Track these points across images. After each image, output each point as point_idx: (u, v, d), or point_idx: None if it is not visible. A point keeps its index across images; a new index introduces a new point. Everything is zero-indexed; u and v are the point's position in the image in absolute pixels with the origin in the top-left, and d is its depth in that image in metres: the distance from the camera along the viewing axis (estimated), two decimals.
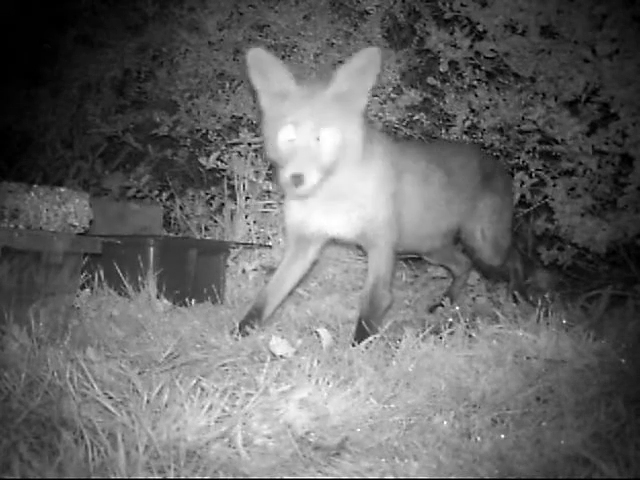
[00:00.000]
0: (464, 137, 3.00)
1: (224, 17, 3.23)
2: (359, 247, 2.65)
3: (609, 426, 1.55)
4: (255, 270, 3.11)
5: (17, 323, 2.00)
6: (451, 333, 2.10)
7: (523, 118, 2.76)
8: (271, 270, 2.95)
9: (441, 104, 3.01)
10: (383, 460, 1.45)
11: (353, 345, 2.11)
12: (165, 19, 3.52)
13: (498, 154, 3.10)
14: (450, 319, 2.33)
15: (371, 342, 2.08)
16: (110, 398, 1.60)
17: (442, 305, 2.70)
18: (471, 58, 2.82)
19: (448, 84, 2.97)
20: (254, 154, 3.20)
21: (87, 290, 2.55)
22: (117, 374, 1.74)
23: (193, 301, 2.66)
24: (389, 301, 2.38)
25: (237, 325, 2.34)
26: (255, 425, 1.53)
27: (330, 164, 2.13)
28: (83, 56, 3.78)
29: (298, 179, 2.05)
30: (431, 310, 2.93)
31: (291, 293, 2.62)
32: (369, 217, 2.31)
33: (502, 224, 2.84)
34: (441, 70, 2.86)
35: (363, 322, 2.28)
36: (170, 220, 3.63)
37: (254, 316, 2.40)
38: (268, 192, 3.25)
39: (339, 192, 2.26)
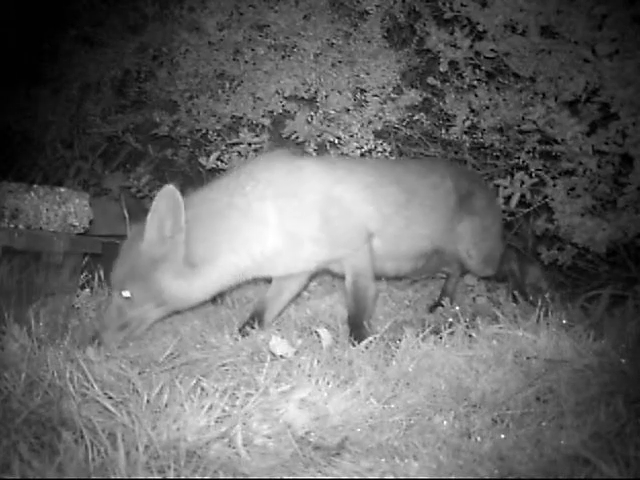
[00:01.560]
0: (464, 137, 3.00)
1: (224, 17, 3.22)
2: None
3: (609, 426, 1.55)
4: None
5: (17, 323, 2.00)
6: (451, 333, 2.11)
7: (523, 118, 2.75)
8: None
9: (441, 104, 3.01)
10: (383, 460, 1.45)
11: (353, 345, 2.12)
12: (165, 19, 3.51)
13: (498, 154, 3.10)
14: (450, 319, 2.33)
15: (371, 342, 2.08)
16: (110, 398, 1.60)
17: (442, 305, 2.69)
18: (471, 58, 2.82)
19: (448, 84, 2.97)
20: (254, 154, 3.20)
21: (87, 290, 2.55)
22: (117, 374, 1.74)
23: None
24: (373, 291, 2.37)
25: (238, 328, 2.36)
26: (255, 425, 1.53)
27: (144, 315, 2.19)
28: (83, 56, 3.78)
29: (99, 339, 2.14)
30: (431, 310, 2.93)
31: (292, 301, 2.63)
32: (315, 256, 2.32)
33: (488, 241, 2.79)
34: (441, 70, 2.85)
35: (354, 320, 2.30)
36: None
37: (254, 320, 2.42)
38: None
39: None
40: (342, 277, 2.48)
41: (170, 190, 2.10)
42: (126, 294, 2.16)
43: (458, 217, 2.69)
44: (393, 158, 3.12)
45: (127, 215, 2.52)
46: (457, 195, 2.68)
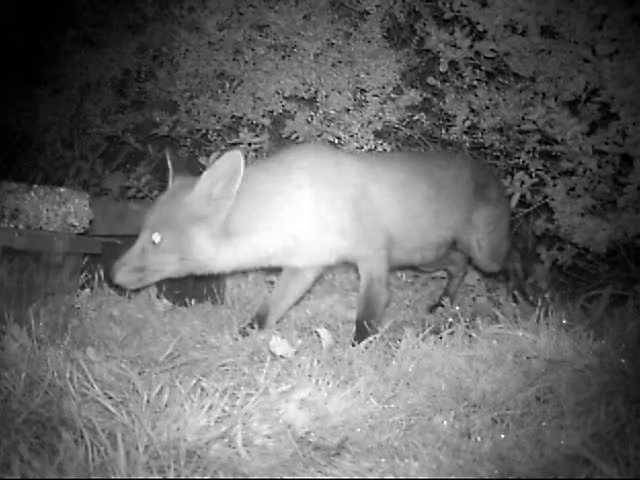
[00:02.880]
0: (464, 137, 3.00)
1: (224, 17, 3.22)
2: None
3: (609, 426, 1.55)
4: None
5: (17, 323, 2.00)
6: (451, 333, 2.10)
7: (523, 118, 2.75)
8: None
9: (441, 104, 3.01)
10: (383, 460, 1.45)
11: (353, 345, 2.12)
12: (165, 19, 3.51)
13: (498, 154, 3.10)
14: (450, 319, 2.33)
15: (371, 342, 2.08)
16: (110, 398, 1.60)
17: (442, 305, 2.70)
18: (471, 58, 2.82)
19: (448, 84, 2.97)
20: (254, 154, 3.20)
21: (87, 290, 2.55)
22: (117, 374, 1.74)
23: (193, 301, 2.65)
24: (386, 298, 2.39)
25: (239, 330, 2.35)
26: (255, 425, 1.53)
27: (163, 265, 2.21)
28: (83, 56, 3.78)
29: (112, 273, 2.20)
30: (431, 310, 2.93)
31: (294, 306, 2.63)
32: (339, 248, 2.34)
33: (498, 233, 2.81)
34: (441, 70, 2.86)
35: (362, 322, 2.29)
36: None
37: (256, 322, 2.42)
38: None
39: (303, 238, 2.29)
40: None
41: (236, 155, 2.13)
42: (156, 238, 2.18)
43: (474, 206, 2.74)
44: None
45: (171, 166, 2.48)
46: (474, 184, 2.73)
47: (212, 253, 2.21)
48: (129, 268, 2.20)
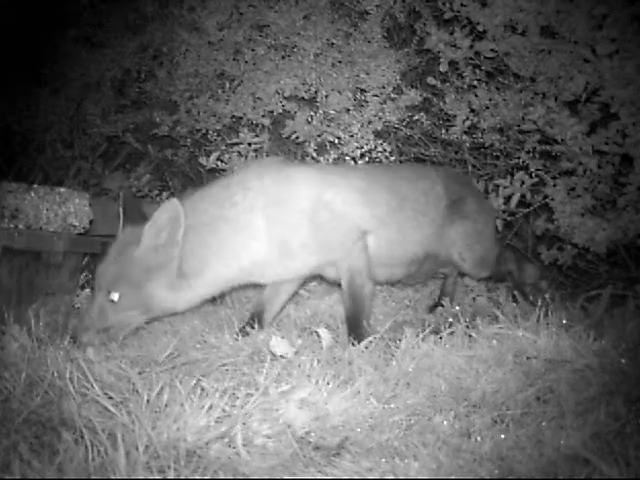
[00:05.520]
0: (464, 137, 3.00)
1: (224, 17, 3.23)
2: None
3: (609, 426, 1.55)
4: None
5: (17, 323, 2.00)
6: (451, 333, 2.11)
7: (523, 118, 2.75)
8: None
9: (441, 104, 3.01)
10: (383, 460, 1.45)
11: (353, 345, 2.12)
12: (165, 19, 3.51)
13: (498, 154, 3.10)
14: (450, 319, 2.33)
15: (371, 342, 2.08)
16: (110, 398, 1.60)
17: (442, 305, 2.69)
18: (471, 58, 2.82)
19: (448, 84, 2.97)
20: (254, 154, 3.21)
21: (87, 290, 2.55)
22: (117, 374, 1.74)
23: None
24: (370, 289, 2.36)
25: (239, 329, 2.35)
26: (255, 425, 1.53)
27: (127, 321, 2.18)
28: (83, 56, 3.78)
29: (77, 339, 2.12)
30: (431, 310, 2.93)
31: (290, 300, 2.63)
32: (306, 263, 2.32)
33: (482, 244, 2.77)
34: (441, 70, 2.85)
35: (352, 319, 2.30)
36: None
37: (254, 320, 2.42)
38: None
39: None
40: (338, 283, 2.46)
41: (174, 204, 2.13)
42: (114, 297, 2.15)
43: (449, 221, 2.67)
44: (392, 159, 3.13)
45: (122, 213, 2.50)
46: (448, 200, 2.67)
47: (173, 299, 2.20)
48: (93, 331, 2.15)
